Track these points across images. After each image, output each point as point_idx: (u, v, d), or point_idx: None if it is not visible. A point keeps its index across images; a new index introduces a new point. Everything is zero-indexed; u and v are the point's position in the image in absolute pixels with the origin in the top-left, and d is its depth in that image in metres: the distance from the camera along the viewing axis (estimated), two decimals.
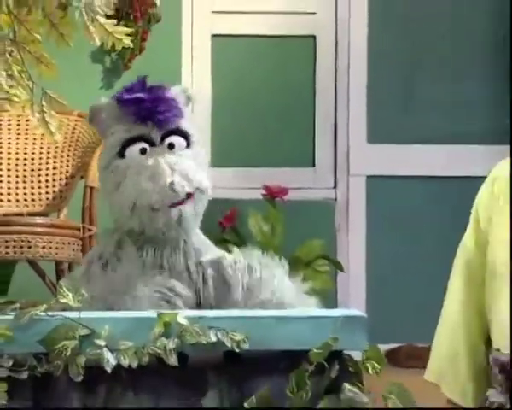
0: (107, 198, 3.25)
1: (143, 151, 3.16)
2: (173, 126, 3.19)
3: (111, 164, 3.18)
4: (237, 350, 2.70)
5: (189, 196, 3.12)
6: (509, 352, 2.91)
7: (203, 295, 3.12)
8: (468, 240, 3.11)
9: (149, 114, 3.16)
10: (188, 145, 3.22)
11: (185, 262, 3.16)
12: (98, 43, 2.79)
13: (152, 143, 3.17)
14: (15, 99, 2.78)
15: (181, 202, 3.11)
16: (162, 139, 3.18)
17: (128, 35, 2.84)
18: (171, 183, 3.10)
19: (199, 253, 3.19)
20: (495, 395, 2.96)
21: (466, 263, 3.09)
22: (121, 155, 3.16)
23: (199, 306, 3.11)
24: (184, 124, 3.23)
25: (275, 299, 3.06)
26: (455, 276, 3.12)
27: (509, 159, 3.08)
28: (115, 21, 2.84)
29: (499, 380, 2.94)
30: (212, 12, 5.30)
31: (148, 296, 3.01)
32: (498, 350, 2.94)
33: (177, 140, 3.20)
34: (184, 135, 3.22)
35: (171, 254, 3.16)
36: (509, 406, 2.93)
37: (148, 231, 3.14)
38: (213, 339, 2.69)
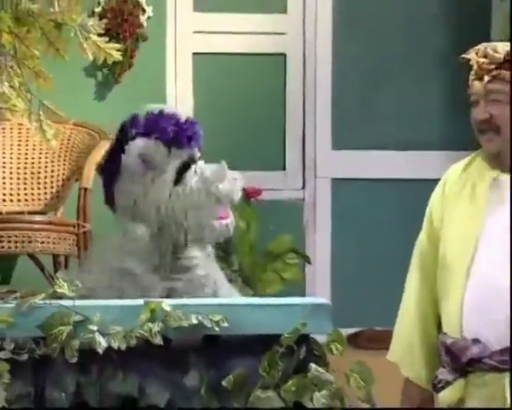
0: (167, 223, 3.23)
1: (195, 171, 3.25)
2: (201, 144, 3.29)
3: (173, 192, 3.21)
4: (217, 329, 2.69)
5: None
6: (455, 336, 2.90)
7: None
8: (422, 237, 3.11)
9: (190, 138, 3.24)
10: None
11: None
12: (91, 57, 2.79)
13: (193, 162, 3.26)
14: (15, 109, 2.77)
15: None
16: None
17: (117, 51, 2.84)
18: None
19: None
20: (443, 374, 2.95)
21: (421, 257, 3.09)
22: (177, 183, 3.21)
23: None
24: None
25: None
26: (412, 269, 3.12)
27: (458, 163, 3.08)
28: (107, 39, 2.83)
29: (446, 360, 2.93)
30: (193, 32, 5.30)
31: None
32: (445, 334, 2.94)
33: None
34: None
35: None
36: (451, 379, 2.92)
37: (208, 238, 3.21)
38: (195, 322, 2.68)
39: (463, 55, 2.94)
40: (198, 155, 3.27)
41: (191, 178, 3.20)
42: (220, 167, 3.24)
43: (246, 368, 2.71)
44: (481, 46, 2.92)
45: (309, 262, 5.15)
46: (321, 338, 2.77)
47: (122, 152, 3.22)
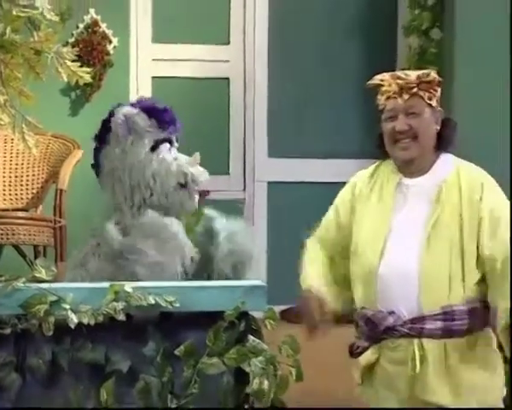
0: (137, 183, 3.16)
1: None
2: (179, 133, 3.25)
3: (145, 159, 3.15)
4: (171, 308, 2.67)
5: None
6: (373, 309, 2.91)
7: None
8: (329, 224, 3.12)
9: (171, 121, 3.20)
10: None
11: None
12: (66, 79, 2.76)
13: (171, 144, 3.21)
14: (1, 122, 2.74)
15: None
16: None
17: (88, 74, 2.81)
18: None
19: None
20: (360, 342, 2.96)
21: (321, 239, 3.13)
22: (152, 150, 3.15)
23: None
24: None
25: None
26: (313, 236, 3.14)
27: (364, 170, 3.11)
28: (79, 64, 2.81)
29: (364, 330, 2.94)
30: (152, 60, 5.27)
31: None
32: (364, 308, 2.94)
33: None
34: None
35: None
36: (367, 346, 2.93)
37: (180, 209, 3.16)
38: (152, 301, 2.67)
39: (373, 82, 2.98)
40: (175, 143, 3.22)
41: (165, 152, 3.16)
42: (194, 156, 3.23)
43: (195, 340, 2.70)
44: (390, 73, 2.97)
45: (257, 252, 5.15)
46: (257, 314, 2.77)
47: (112, 118, 3.20)
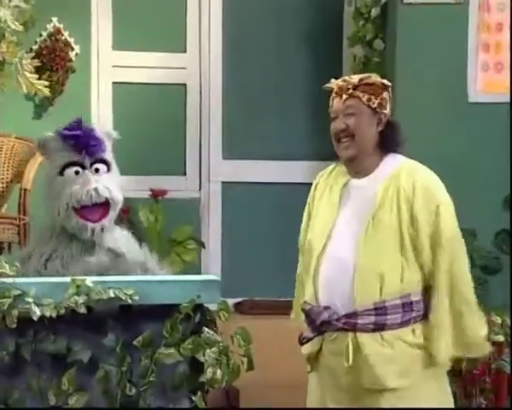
0: (49, 203, 3.15)
1: (77, 172, 3.11)
2: (99, 156, 3.15)
3: (54, 180, 3.12)
4: (130, 301, 2.65)
5: (106, 201, 3.08)
6: (313, 303, 2.92)
7: None
8: (302, 227, 3.13)
9: (83, 146, 3.12)
10: (108, 170, 3.18)
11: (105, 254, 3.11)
12: (26, 91, 2.72)
13: (83, 168, 3.12)
14: None
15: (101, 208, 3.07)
16: (91, 165, 3.13)
17: (48, 85, 2.77)
18: (96, 188, 3.06)
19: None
20: (306, 333, 2.97)
21: (301, 244, 3.10)
22: (61, 174, 3.10)
23: None
24: (107, 155, 3.19)
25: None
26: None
27: (324, 170, 3.12)
28: (37, 76, 2.76)
29: (306, 323, 2.95)
30: (113, 66, 5.24)
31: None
32: (305, 302, 2.95)
33: (101, 166, 3.16)
34: (106, 163, 3.17)
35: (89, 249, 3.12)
36: (311, 336, 2.94)
37: (75, 230, 3.09)
38: (112, 295, 2.64)
39: (327, 85, 3.00)
40: (89, 163, 3.14)
41: (70, 174, 3.11)
42: (84, 176, 3.13)
43: (153, 331, 2.68)
44: (341, 78, 2.99)
45: (204, 247, 5.14)
46: (212, 307, 2.76)
47: None
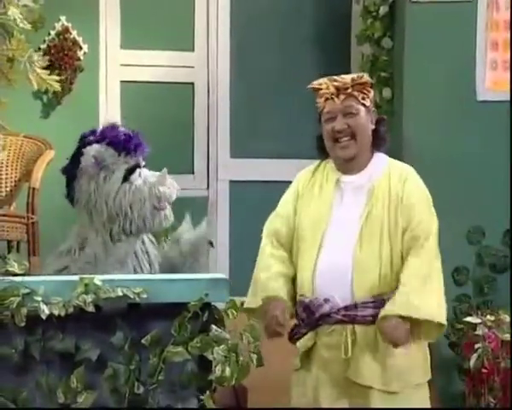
0: (114, 213, 3.18)
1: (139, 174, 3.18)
2: (145, 154, 3.24)
3: (120, 189, 3.17)
4: (138, 299, 2.65)
5: None
6: (310, 296, 2.92)
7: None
8: (278, 217, 3.12)
9: (135, 148, 3.20)
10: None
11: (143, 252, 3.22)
12: (36, 87, 2.73)
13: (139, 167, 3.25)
14: None
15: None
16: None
17: (59, 81, 2.78)
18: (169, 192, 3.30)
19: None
20: (298, 328, 2.97)
21: (275, 233, 3.10)
22: (125, 180, 3.17)
23: None
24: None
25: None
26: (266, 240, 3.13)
27: (306, 168, 3.14)
28: (48, 71, 2.78)
29: (302, 317, 2.95)
30: (121, 65, 5.24)
31: None
32: (303, 295, 2.96)
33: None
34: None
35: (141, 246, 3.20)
36: (305, 331, 2.94)
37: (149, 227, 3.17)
38: (120, 294, 2.65)
39: (312, 85, 3.02)
40: (143, 162, 3.25)
41: (136, 179, 3.18)
42: (162, 174, 3.24)
43: (161, 329, 2.69)
44: (326, 78, 3.02)
45: (212, 246, 5.13)
46: (220, 305, 2.76)
47: (81, 156, 3.18)
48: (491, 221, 4.63)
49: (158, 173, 3.27)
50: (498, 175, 4.76)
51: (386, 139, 3.02)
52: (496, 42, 4.89)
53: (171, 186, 3.25)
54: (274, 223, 3.13)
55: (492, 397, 4.03)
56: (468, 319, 4.22)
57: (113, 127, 3.21)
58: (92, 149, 3.17)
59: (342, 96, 2.95)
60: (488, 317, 4.16)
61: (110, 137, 3.19)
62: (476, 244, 4.64)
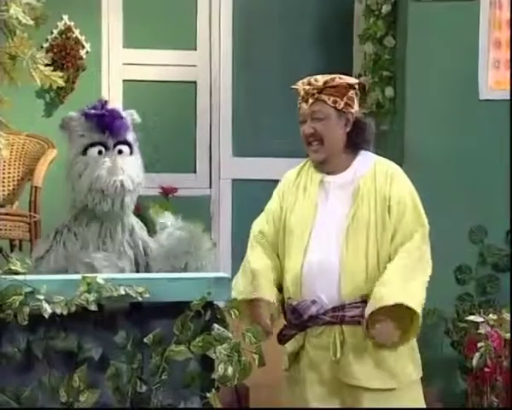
0: (72, 183, 3.15)
1: (100, 152, 3.11)
2: (122, 138, 3.15)
3: (76, 158, 3.12)
4: (140, 299, 2.65)
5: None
6: (297, 298, 2.92)
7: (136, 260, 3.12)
8: (264, 221, 3.12)
9: (107, 126, 3.11)
10: (131, 153, 3.18)
11: (122, 236, 3.14)
12: (39, 84, 2.72)
13: (107, 148, 3.11)
14: None
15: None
16: (114, 146, 3.13)
17: (61, 78, 2.78)
18: (121, 181, 3.06)
19: (133, 229, 3.18)
20: (287, 330, 2.97)
21: (261, 235, 3.11)
22: (84, 153, 3.11)
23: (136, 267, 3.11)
24: (130, 137, 3.19)
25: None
26: (253, 244, 3.12)
27: (292, 169, 3.15)
28: (52, 68, 2.77)
29: (290, 318, 2.95)
30: (123, 64, 5.25)
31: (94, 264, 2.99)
32: (290, 298, 2.96)
33: (124, 148, 3.16)
34: (129, 145, 3.17)
35: (113, 230, 3.13)
36: (294, 333, 2.93)
37: (98, 210, 3.10)
38: (122, 292, 2.64)
39: (294, 86, 3.03)
40: (113, 144, 3.14)
41: (93, 154, 3.11)
42: (111, 160, 3.13)
43: (163, 328, 2.68)
44: (307, 78, 3.01)
45: (214, 245, 5.13)
46: (222, 304, 2.76)
47: None
48: (494, 220, 4.63)
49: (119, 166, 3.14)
50: (501, 174, 4.76)
51: (367, 139, 2.99)
52: (499, 41, 4.89)
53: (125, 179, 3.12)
54: (260, 224, 3.13)
55: (495, 396, 4.03)
56: (471, 317, 4.22)
57: (100, 102, 3.19)
58: (67, 116, 3.18)
59: (310, 100, 2.96)
60: (491, 316, 4.16)
61: (88, 109, 3.17)
62: (479, 243, 4.65)
